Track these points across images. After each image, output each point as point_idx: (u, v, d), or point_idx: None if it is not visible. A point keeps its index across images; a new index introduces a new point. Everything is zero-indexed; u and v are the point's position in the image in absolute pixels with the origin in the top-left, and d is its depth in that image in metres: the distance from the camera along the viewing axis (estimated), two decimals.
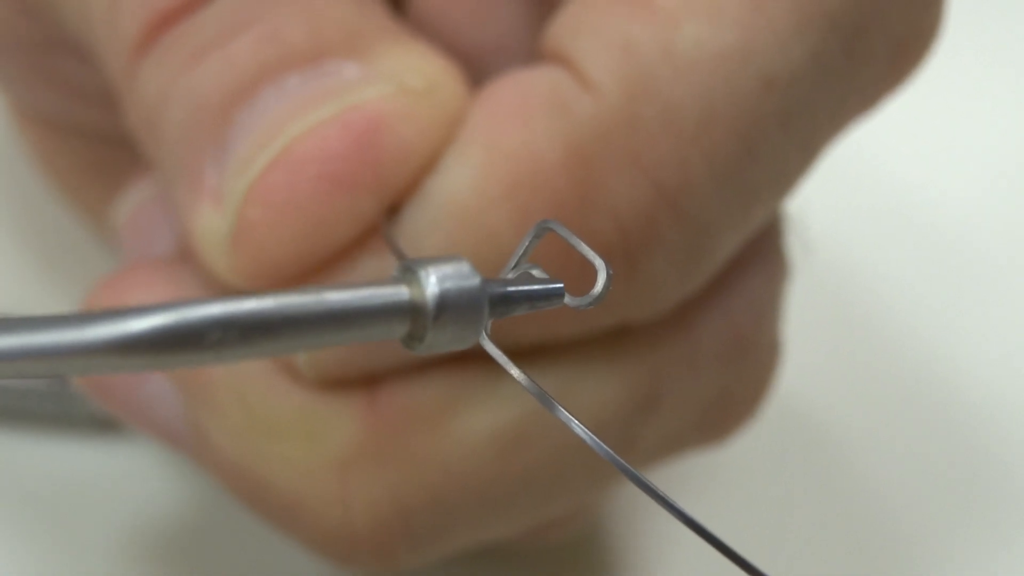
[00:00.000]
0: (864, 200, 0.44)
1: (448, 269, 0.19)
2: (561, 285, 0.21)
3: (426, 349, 0.19)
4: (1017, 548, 0.36)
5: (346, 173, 0.25)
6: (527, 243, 0.21)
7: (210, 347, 0.18)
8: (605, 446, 0.20)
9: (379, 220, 0.26)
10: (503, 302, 0.20)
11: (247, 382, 0.27)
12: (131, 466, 0.34)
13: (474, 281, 0.19)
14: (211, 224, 0.26)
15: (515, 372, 0.21)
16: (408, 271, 0.19)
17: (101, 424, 0.34)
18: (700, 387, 0.29)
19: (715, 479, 0.36)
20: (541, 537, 0.32)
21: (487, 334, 0.21)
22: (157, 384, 0.28)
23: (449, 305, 0.19)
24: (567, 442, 0.28)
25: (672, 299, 0.27)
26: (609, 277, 0.21)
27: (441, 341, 0.19)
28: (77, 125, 0.33)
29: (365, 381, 0.27)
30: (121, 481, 0.34)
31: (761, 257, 0.30)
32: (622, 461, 0.20)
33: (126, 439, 0.35)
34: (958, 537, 0.36)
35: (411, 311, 0.19)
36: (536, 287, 0.20)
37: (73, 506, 0.34)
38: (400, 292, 0.19)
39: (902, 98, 0.29)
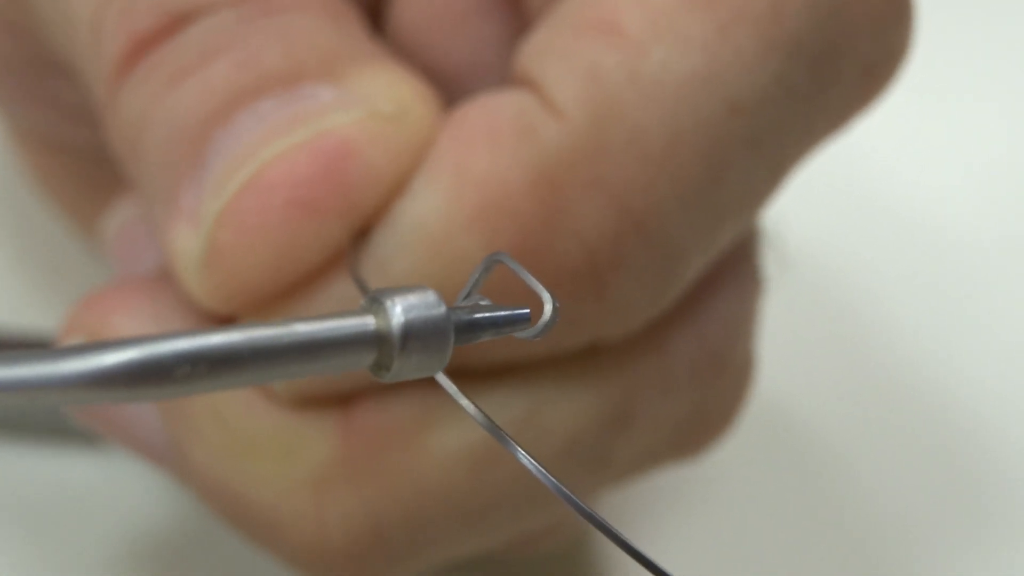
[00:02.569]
0: (843, 210, 0.44)
1: (413, 299, 0.20)
2: (527, 311, 0.21)
3: (393, 377, 0.20)
4: (1004, 552, 0.36)
5: (315, 198, 0.25)
6: (477, 276, 0.22)
7: (180, 380, 0.18)
8: (552, 477, 0.21)
9: (347, 245, 0.26)
10: (469, 329, 0.20)
11: (224, 401, 0.28)
12: (124, 477, 0.34)
13: (439, 310, 0.20)
14: (187, 246, 0.26)
15: (465, 403, 0.21)
16: (374, 301, 0.20)
17: (90, 436, 0.34)
18: (674, 404, 0.29)
19: (703, 490, 0.36)
20: (527, 548, 0.32)
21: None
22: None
23: (414, 334, 0.20)
24: (540, 458, 0.28)
25: (641, 319, 0.28)
26: (555, 310, 0.21)
27: (407, 369, 0.20)
28: (67, 142, 0.33)
29: (339, 400, 0.28)
30: (114, 492, 0.34)
31: (735, 274, 0.30)
32: (569, 492, 0.21)
33: (115, 451, 0.35)
34: (948, 538, 0.36)
35: (377, 341, 0.20)
36: (501, 313, 0.21)
37: (66, 517, 0.34)
38: (367, 322, 0.19)
39: (881, 108, 0.29)
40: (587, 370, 0.28)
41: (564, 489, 0.21)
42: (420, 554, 0.29)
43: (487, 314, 0.21)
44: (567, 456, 0.28)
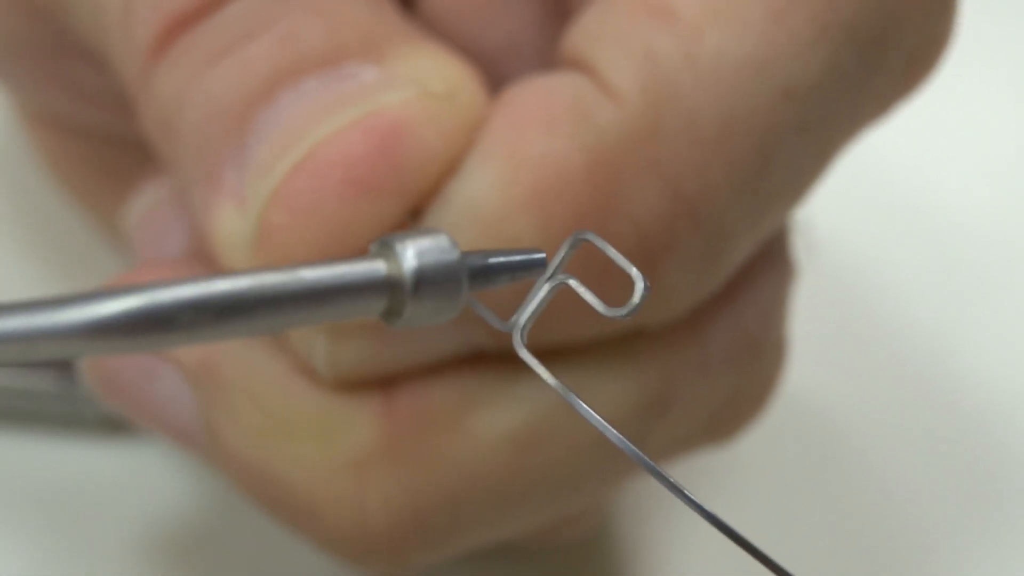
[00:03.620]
0: (870, 201, 0.43)
1: (426, 243, 0.19)
2: (543, 255, 0.20)
3: (405, 324, 0.19)
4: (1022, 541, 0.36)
5: (369, 178, 0.25)
6: (563, 254, 0.21)
7: (183, 329, 0.18)
8: (631, 445, 0.20)
9: (404, 224, 0.25)
10: (483, 274, 0.20)
11: (262, 383, 0.27)
12: (140, 467, 0.34)
13: (452, 254, 0.19)
14: (233, 227, 0.26)
15: (536, 365, 0.21)
16: (385, 246, 0.19)
17: (110, 425, 0.34)
18: (710, 389, 0.29)
19: (723, 479, 0.36)
20: (552, 536, 0.31)
21: (523, 342, 0.21)
22: (169, 383, 0.28)
23: (427, 279, 0.19)
24: (581, 441, 0.28)
25: (687, 304, 0.27)
26: (646, 288, 0.21)
27: (420, 315, 0.19)
28: (87, 127, 0.33)
29: (381, 382, 0.27)
30: (130, 482, 0.34)
31: (769, 259, 0.30)
32: (644, 457, 0.20)
33: (135, 440, 0.34)
34: (967, 531, 0.36)
35: (388, 286, 0.19)
36: (516, 258, 0.20)
37: (82, 508, 0.33)
38: (377, 267, 0.19)
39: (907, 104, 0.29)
40: (628, 355, 0.28)
41: (641, 454, 0.20)
42: (457, 538, 0.28)
43: (502, 259, 0.20)
44: (605, 440, 0.28)
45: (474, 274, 0.20)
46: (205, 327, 0.18)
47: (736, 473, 0.36)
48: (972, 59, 0.43)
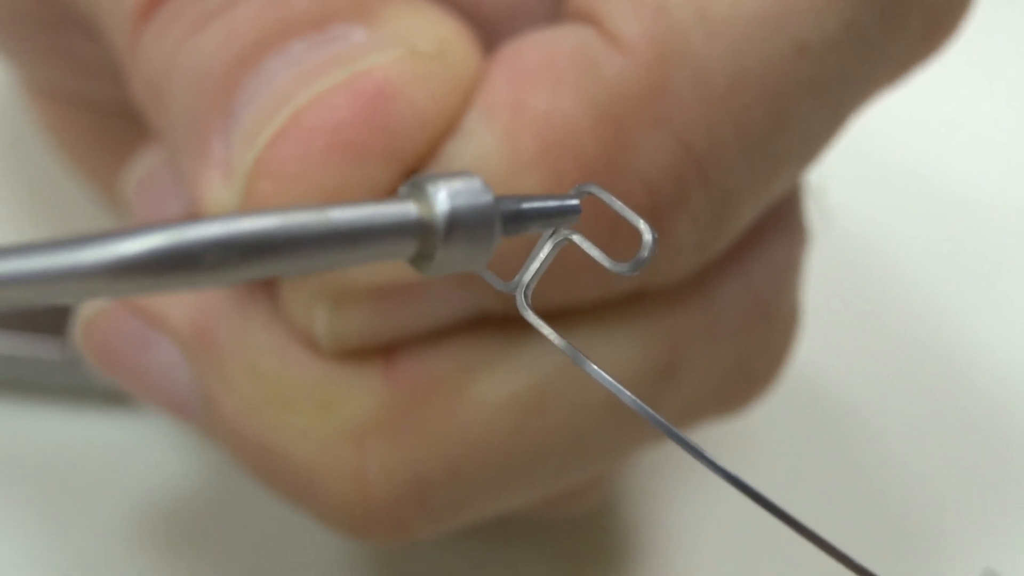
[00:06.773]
0: (883, 169, 0.44)
1: (459, 184, 0.19)
2: (577, 202, 0.20)
3: (436, 269, 0.19)
4: None
5: (357, 141, 0.24)
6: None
7: (208, 269, 0.17)
8: (645, 405, 0.20)
9: (396, 188, 0.25)
10: (516, 219, 0.19)
11: (260, 353, 0.27)
12: (142, 437, 0.34)
13: (486, 197, 0.19)
14: (220, 196, 0.25)
15: (540, 324, 0.20)
16: (416, 187, 0.18)
17: (112, 396, 0.34)
18: (720, 354, 0.28)
19: (732, 448, 0.36)
20: (557, 509, 0.31)
21: (527, 302, 0.20)
22: (164, 354, 0.28)
23: (460, 222, 0.18)
24: (587, 406, 0.27)
25: (692, 263, 0.27)
26: (654, 241, 0.20)
27: (452, 260, 0.19)
28: (88, 98, 0.33)
29: (382, 350, 0.27)
30: (132, 452, 0.34)
31: (781, 224, 0.29)
32: (654, 413, 0.19)
33: (137, 410, 0.34)
34: (978, 502, 0.36)
35: (420, 229, 0.18)
36: (551, 203, 0.20)
37: (84, 477, 0.33)
38: (408, 209, 0.18)
39: (924, 68, 0.28)
40: (635, 317, 0.27)
41: (654, 414, 0.20)
42: (459, 510, 0.28)
43: (536, 204, 0.19)
44: (613, 407, 0.27)
45: (507, 219, 0.19)
46: (231, 267, 0.17)
47: (746, 444, 0.36)
48: (989, 28, 0.43)
